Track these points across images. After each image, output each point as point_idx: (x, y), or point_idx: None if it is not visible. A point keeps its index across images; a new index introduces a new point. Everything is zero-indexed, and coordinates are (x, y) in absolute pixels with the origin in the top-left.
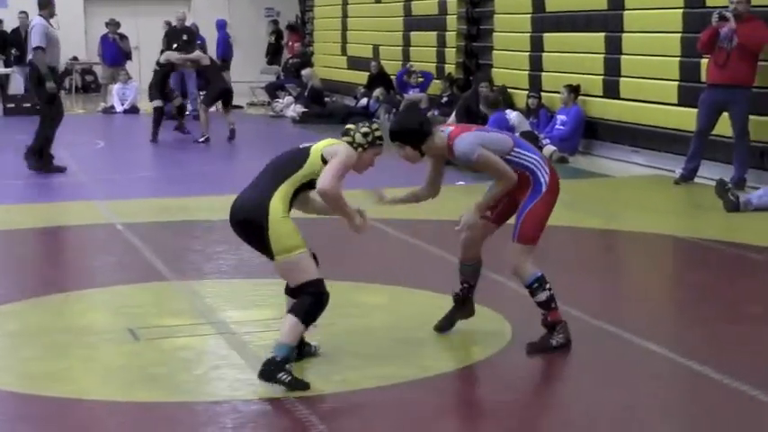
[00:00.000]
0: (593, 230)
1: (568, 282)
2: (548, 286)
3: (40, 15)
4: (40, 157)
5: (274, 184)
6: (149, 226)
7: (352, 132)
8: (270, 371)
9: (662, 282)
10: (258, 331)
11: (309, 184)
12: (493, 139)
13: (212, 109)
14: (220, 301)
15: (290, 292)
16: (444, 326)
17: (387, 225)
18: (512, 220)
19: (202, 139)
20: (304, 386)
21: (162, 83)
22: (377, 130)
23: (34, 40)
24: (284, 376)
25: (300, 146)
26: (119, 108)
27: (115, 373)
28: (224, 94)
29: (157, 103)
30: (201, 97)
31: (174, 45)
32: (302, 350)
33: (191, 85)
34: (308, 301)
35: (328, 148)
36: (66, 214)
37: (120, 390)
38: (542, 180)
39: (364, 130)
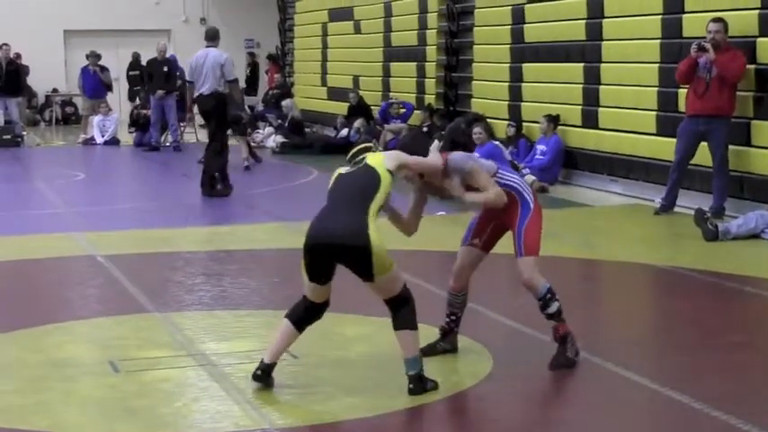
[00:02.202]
0: (573, 260)
1: None
2: (557, 297)
3: (212, 47)
4: (220, 181)
5: (364, 210)
6: (130, 258)
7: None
8: (420, 385)
9: (642, 311)
10: (239, 363)
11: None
12: (484, 163)
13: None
14: (201, 332)
15: (295, 318)
16: (426, 351)
17: None
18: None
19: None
20: (437, 383)
21: None
22: None
23: (229, 72)
24: (429, 384)
25: (351, 168)
26: (99, 140)
27: (94, 405)
28: (235, 122)
29: None
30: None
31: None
32: (269, 377)
33: (171, 116)
34: (408, 309)
35: (385, 159)
36: (47, 246)
37: (99, 423)
38: (528, 198)
39: None
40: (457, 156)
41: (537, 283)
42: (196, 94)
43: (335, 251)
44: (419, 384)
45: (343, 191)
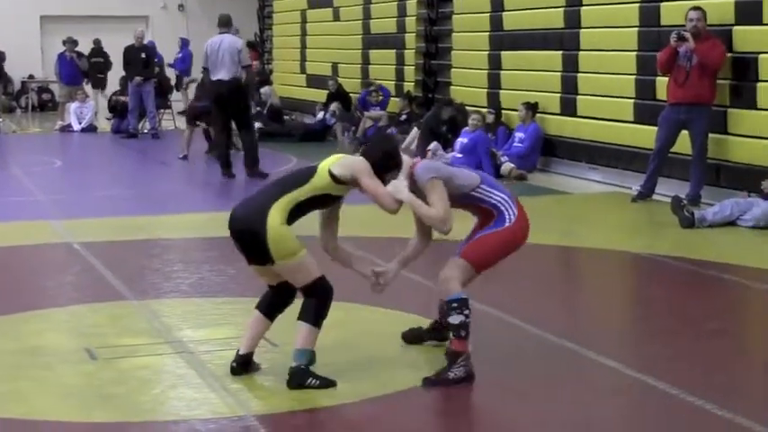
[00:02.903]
0: (552, 247)
1: (526, 298)
2: (466, 312)
3: (225, 32)
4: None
5: (274, 197)
6: (107, 245)
7: None
8: (299, 379)
9: (619, 298)
10: (217, 350)
11: (317, 202)
12: (461, 175)
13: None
14: (179, 320)
15: (263, 307)
16: (408, 337)
17: (347, 242)
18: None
19: (181, 156)
20: (332, 383)
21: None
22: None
23: (245, 58)
24: (313, 381)
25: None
26: (76, 127)
27: (72, 393)
28: (205, 114)
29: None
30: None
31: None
32: (249, 366)
33: (149, 103)
34: (314, 302)
35: (338, 162)
36: (23, 234)
37: (76, 410)
38: (507, 216)
39: None
40: (424, 165)
41: (450, 286)
42: (214, 79)
43: (238, 235)
44: (297, 377)
45: (272, 182)
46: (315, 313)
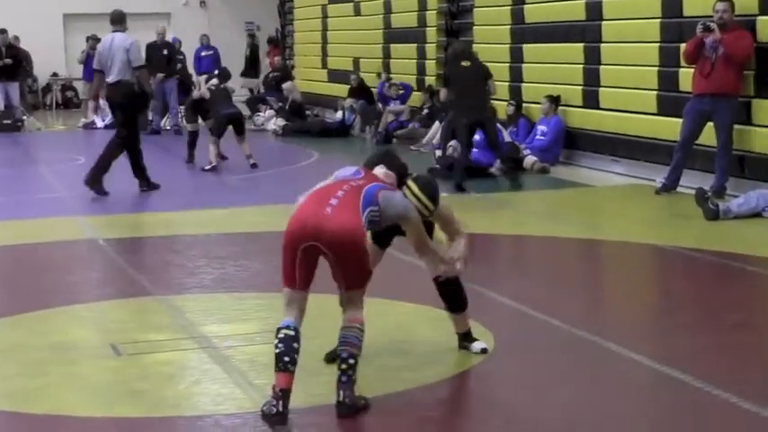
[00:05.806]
0: (575, 240)
1: (549, 291)
2: (275, 341)
3: (118, 31)
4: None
5: None
6: (131, 241)
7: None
8: None
9: (643, 290)
10: (240, 345)
11: None
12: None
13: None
14: (202, 315)
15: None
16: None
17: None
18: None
19: (209, 167)
20: None
21: (196, 107)
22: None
23: (136, 58)
24: None
25: None
26: (99, 124)
27: (97, 388)
28: (232, 121)
29: (192, 126)
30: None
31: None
32: None
33: (172, 99)
34: None
35: None
36: (48, 230)
37: (101, 406)
38: None
39: None
40: None
41: None
42: (108, 82)
43: None
44: None
45: None
46: None
